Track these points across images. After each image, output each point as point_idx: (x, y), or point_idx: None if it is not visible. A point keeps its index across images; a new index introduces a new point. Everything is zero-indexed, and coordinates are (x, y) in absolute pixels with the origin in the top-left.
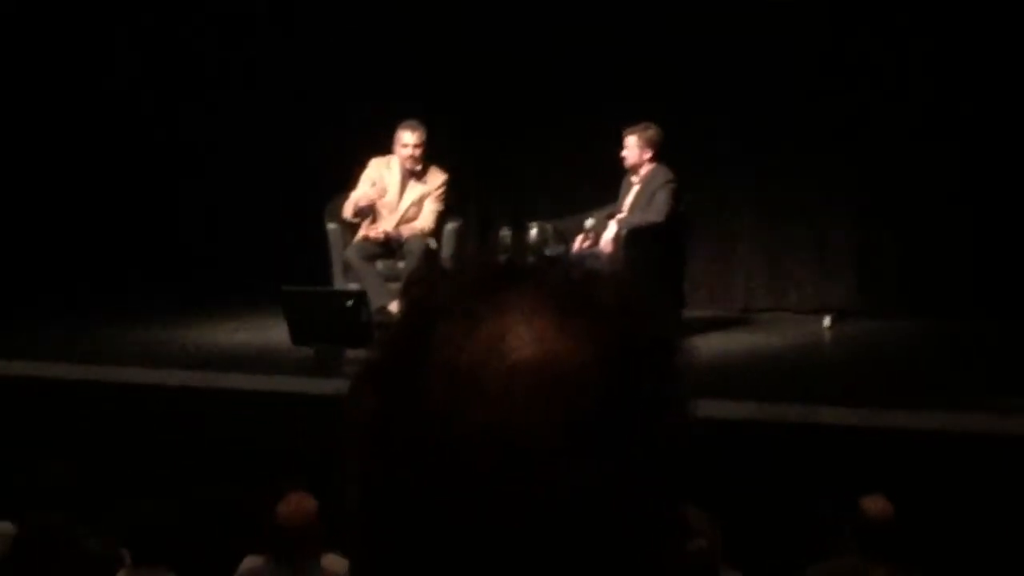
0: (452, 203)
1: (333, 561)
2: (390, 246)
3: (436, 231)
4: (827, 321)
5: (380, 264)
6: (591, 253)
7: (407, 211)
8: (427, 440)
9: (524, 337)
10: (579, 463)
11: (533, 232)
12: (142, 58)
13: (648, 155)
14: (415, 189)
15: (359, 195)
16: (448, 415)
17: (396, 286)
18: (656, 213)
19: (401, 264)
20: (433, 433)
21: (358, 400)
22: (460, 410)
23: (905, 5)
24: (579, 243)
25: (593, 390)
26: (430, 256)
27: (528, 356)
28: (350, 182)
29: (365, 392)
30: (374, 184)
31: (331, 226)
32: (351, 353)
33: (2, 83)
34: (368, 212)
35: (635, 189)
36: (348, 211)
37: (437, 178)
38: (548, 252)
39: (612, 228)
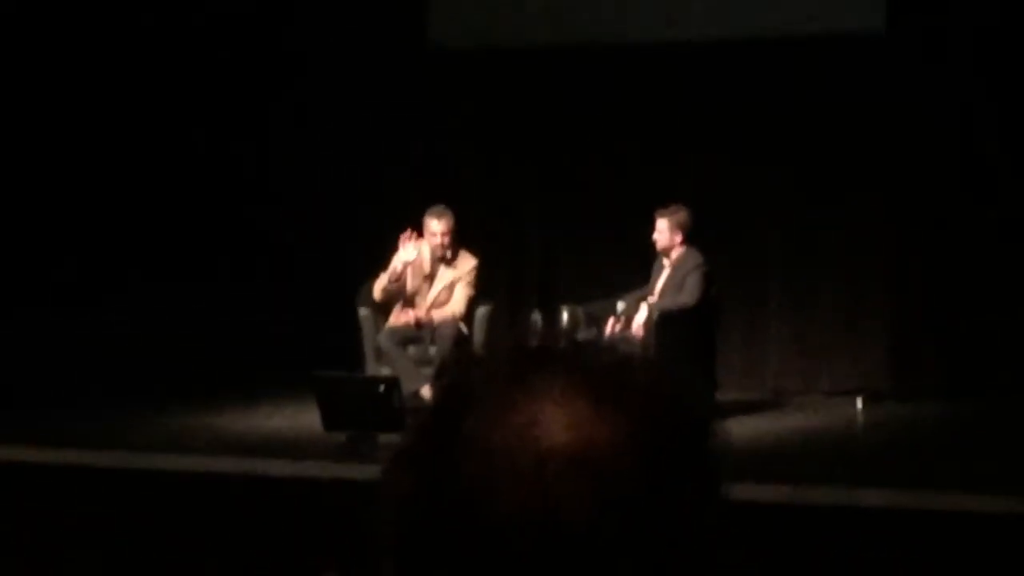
0: (483, 287)
1: None
2: (422, 331)
3: (467, 316)
4: (860, 403)
5: (412, 349)
6: (623, 337)
7: (438, 296)
8: (461, 524)
9: (557, 422)
10: (614, 548)
11: (564, 316)
12: (175, 144)
13: (679, 238)
14: (446, 274)
15: (390, 271)
16: (482, 499)
17: (428, 371)
18: (688, 296)
19: (433, 349)
20: (467, 517)
21: (392, 483)
22: (494, 494)
23: (932, 76)
24: (610, 327)
25: (627, 475)
26: (461, 341)
27: (562, 441)
28: (382, 265)
29: (399, 475)
30: (407, 266)
31: (363, 311)
32: (383, 439)
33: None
34: (399, 293)
35: (666, 272)
36: (378, 293)
37: (467, 263)
38: (579, 336)
39: (643, 312)
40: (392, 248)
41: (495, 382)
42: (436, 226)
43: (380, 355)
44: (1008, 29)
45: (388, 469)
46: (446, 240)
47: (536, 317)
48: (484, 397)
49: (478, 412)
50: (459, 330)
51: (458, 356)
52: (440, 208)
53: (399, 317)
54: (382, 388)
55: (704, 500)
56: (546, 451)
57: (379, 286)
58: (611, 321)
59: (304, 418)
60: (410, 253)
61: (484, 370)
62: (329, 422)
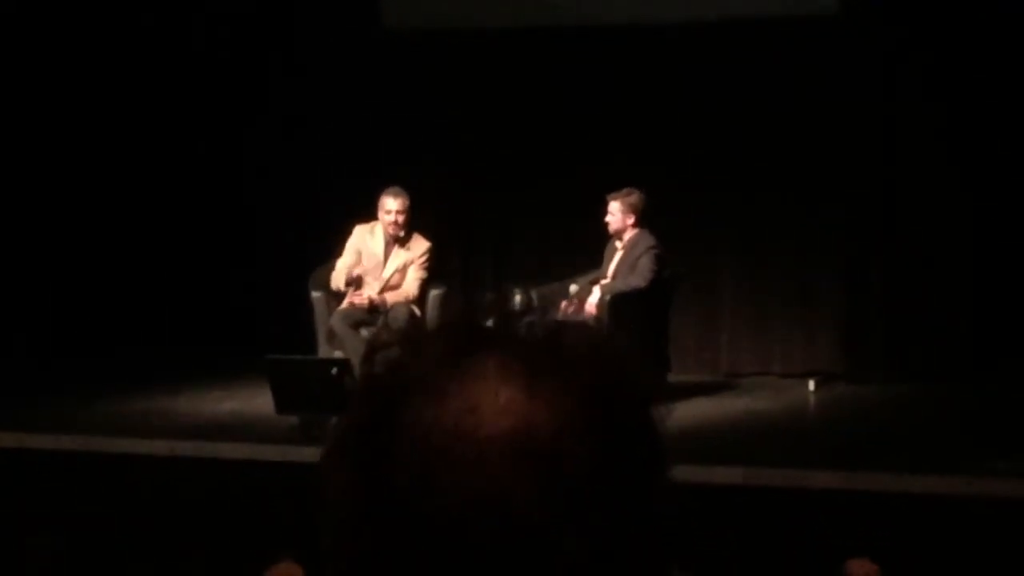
0: (436, 270)
1: None
2: (375, 313)
3: (421, 298)
4: (812, 385)
5: (365, 331)
6: (574, 320)
7: (391, 278)
8: (404, 516)
9: (494, 408)
10: (560, 532)
11: (517, 298)
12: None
13: (631, 220)
14: (399, 256)
15: (348, 264)
16: (421, 491)
17: None
18: (640, 278)
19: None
20: (410, 509)
21: (331, 475)
22: (433, 486)
23: (885, 58)
24: (563, 309)
25: (568, 457)
26: (414, 323)
27: (500, 427)
28: (335, 250)
29: (338, 467)
30: (359, 252)
31: (315, 294)
32: (336, 421)
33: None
34: (359, 282)
35: (619, 255)
36: (339, 282)
37: (421, 245)
38: (531, 317)
39: (596, 294)
40: (346, 233)
41: (428, 366)
42: (392, 204)
43: (333, 337)
44: (962, 13)
45: (324, 461)
46: (401, 219)
47: (489, 298)
48: (418, 383)
49: (414, 401)
50: (412, 312)
51: (388, 337)
52: (396, 188)
53: (352, 299)
54: (334, 370)
55: (650, 476)
56: (485, 439)
57: (337, 281)
58: (564, 303)
59: (257, 401)
60: (362, 299)
61: (417, 354)
62: (282, 405)
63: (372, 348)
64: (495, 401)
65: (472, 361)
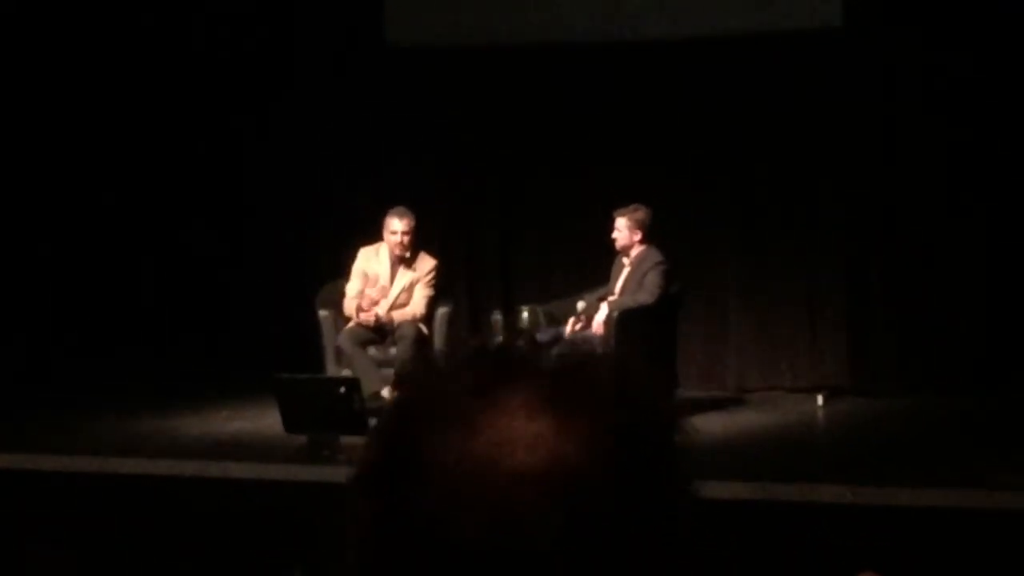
0: (442, 288)
1: None
2: (382, 332)
3: (427, 316)
4: (820, 399)
5: (372, 350)
6: (583, 337)
7: (398, 297)
8: (427, 545)
9: (522, 441)
10: (587, 565)
11: (524, 316)
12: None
13: (638, 236)
14: (405, 275)
15: (358, 289)
16: (450, 522)
17: (389, 372)
18: (647, 295)
19: (393, 350)
20: (435, 540)
21: (356, 503)
22: (461, 518)
23: (888, 69)
24: (571, 326)
25: (596, 489)
26: (421, 341)
27: (528, 462)
28: (342, 270)
29: (364, 495)
30: (366, 275)
31: (323, 313)
32: (344, 440)
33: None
34: (372, 304)
35: (626, 271)
36: (351, 309)
37: (427, 264)
38: (540, 336)
39: (603, 310)
40: (352, 253)
41: (455, 397)
42: (397, 225)
43: (340, 356)
44: (965, 24)
45: (351, 488)
46: (406, 240)
47: (497, 318)
48: (447, 413)
49: (441, 432)
50: (419, 331)
51: (417, 367)
52: (402, 208)
53: (360, 318)
54: (342, 389)
55: (675, 502)
56: (514, 473)
57: (349, 309)
58: (571, 320)
59: (265, 420)
60: (370, 318)
61: (445, 385)
62: (290, 424)
63: (401, 378)
64: (524, 435)
65: (501, 393)
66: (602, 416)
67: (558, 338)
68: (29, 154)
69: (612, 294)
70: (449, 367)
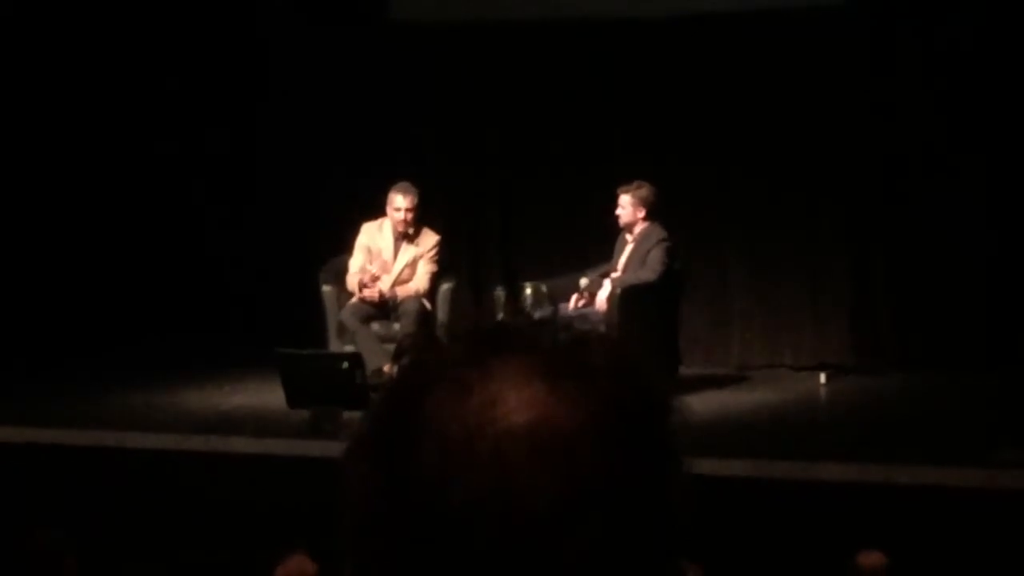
0: (445, 264)
1: None
2: (385, 307)
3: (430, 292)
4: (823, 377)
5: (375, 325)
6: (583, 313)
7: (401, 273)
8: (423, 509)
9: (515, 403)
10: (575, 527)
11: (527, 292)
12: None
13: (642, 213)
14: (408, 251)
15: (361, 264)
16: (442, 483)
17: (391, 347)
18: (650, 272)
19: (396, 325)
20: (428, 502)
21: (352, 470)
22: (454, 478)
23: (892, 56)
24: (574, 302)
25: (586, 454)
26: (424, 317)
27: (520, 422)
28: (345, 245)
29: (359, 462)
30: (369, 250)
31: (326, 288)
32: (347, 415)
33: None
34: (375, 280)
35: (629, 248)
36: (354, 285)
37: (430, 240)
38: (541, 312)
39: (607, 287)
40: (356, 228)
41: (453, 365)
42: (401, 201)
43: (343, 332)
44: (968, 4)
45: (348, 455)
46: (410, 216)
47: (500, 293)
48: (442, 381)
49: (437, 396)
50: (423, 306)
51: (417, 339)
52: (405, 184)
53: (363, 294)
54: (345, 365)
55: (664, 477)
56: (503, 434)
57: (352, 284)
58: (574, 297)
59: (268, 395)
60: (373, 294)
61: (442, 353)
62: (293, 399)
63: (400, 349)
64: (517, 396)
65: (497, 360)
66: (595, 386)
67: (556, 315)
68: (36, 121)
69: (615, 271)
70: (447, 340)
